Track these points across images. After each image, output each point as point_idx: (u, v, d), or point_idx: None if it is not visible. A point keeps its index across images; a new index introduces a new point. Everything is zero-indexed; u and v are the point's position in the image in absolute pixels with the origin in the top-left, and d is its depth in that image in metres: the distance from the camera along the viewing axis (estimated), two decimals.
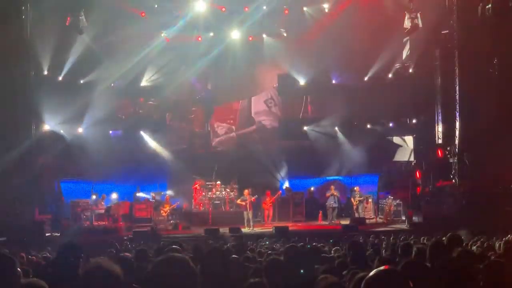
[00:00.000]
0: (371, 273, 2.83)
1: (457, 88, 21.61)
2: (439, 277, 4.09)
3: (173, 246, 7.38)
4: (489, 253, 7.28)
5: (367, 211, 22.28)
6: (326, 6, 23.10)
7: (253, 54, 23.95)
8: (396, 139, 24.85)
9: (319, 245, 11.18)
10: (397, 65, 24.10)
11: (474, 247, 8.57)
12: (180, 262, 2.99)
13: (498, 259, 5.73)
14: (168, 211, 21.12)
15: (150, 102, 25.34)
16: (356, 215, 21.57)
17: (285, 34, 23.89)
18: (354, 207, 21.81)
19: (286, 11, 23.24)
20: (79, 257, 5.17)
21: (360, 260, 6.01)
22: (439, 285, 4.04)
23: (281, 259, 5.00)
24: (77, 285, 3.49)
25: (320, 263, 6.20)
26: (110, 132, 24.16)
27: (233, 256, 6.56)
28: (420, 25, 21.35)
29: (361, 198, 21.95)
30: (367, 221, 21.03)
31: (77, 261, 5.11)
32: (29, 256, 9.77)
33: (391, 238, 13.69)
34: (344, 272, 5.37)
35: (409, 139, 24.56)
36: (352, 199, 22.03)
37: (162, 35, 23.04)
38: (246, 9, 22.60)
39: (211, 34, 23.83)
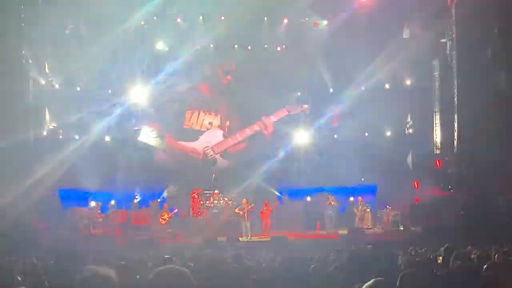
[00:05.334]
0: (368, 283, 2.84)
1: (456, 98, 21.62)
2: None
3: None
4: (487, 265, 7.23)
5: (365, 221, 22.24)
6: (324, 18, 23.23)
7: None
8: (394, 149, 24.77)
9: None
10: (395, 75, 24.11)
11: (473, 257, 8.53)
12: (179, 273, 2.99)
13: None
14: (167, 219, 21.06)
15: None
16: (360, 225, 21.57)
17: (283, 46, 23.98)
18: (358, 217, 21.82)
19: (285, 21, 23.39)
20: (78, 265, 5.16)
21: (359, 270, 6.00)
22: None
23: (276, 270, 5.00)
24: None
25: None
26: (107, 139, 24.03)
27: (232, 266, 6.55)
28: (419, 35, 21.38)
29: (365, 208, 21.98)
30: (365, 231, 21.01)
31: (76, 269, 5.09)
32: (26, 263, 9.71)
33: (390, 249, 13.65)
34: None
35: (407, 149, 24.50)
36: (355, 209, 22.04)
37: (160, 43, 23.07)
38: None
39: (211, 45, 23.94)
